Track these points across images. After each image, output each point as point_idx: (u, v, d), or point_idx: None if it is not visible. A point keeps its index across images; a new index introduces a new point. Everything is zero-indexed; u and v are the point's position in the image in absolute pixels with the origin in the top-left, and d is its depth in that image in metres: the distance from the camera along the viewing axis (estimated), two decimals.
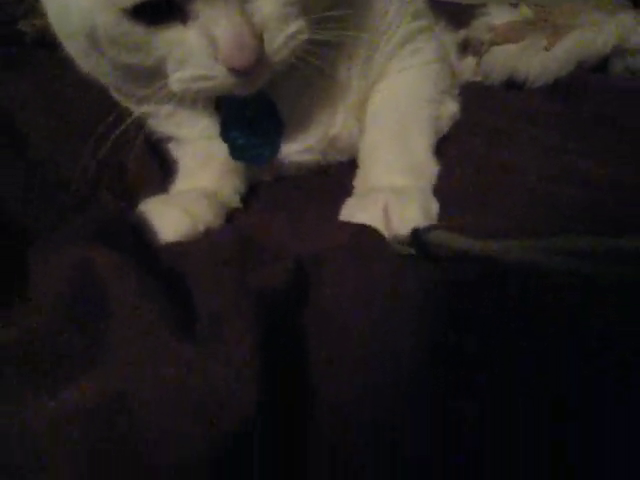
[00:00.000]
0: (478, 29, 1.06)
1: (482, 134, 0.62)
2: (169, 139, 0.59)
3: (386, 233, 0.44)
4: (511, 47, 0.97)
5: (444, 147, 0.60)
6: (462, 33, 1.11)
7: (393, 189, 0.49)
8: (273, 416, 0.28)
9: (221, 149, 0.55)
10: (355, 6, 0.54)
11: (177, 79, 0.45)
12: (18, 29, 0.89)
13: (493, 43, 1.01)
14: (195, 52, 0.43)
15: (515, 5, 1.12)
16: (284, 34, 0.45)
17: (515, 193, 0.50)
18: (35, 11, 0.88)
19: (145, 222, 0.46)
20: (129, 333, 0.30)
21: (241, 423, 0.27)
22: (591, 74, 0.80)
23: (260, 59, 0.43)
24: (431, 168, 0.55)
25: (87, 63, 0.50)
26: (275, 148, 0.57)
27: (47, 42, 0.85)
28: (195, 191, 0.53)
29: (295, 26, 0.45)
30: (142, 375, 0.29)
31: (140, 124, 0.53)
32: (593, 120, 0.63)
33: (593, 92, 0.70)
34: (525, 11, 1.06)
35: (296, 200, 0.57)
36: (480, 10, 1.09)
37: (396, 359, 0.31)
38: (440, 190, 0.52)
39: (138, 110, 0.52)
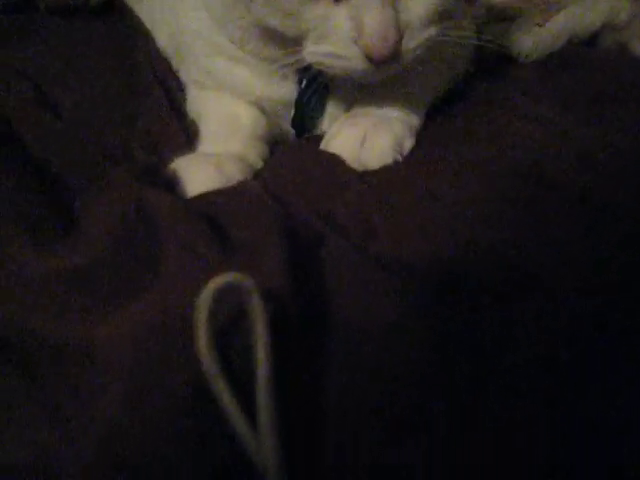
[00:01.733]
0: (476, 7, 1.10)
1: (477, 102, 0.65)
2: (201, 100, 0.62)
3: (356, 163, 0.50)
4: (507, 24, 1.01)
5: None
6: None
7: (380, 116, 0.54)
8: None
9: (248, 116, 0.59)
10: None
11: (312, 51, 0.49)
12: None
13: (490, 20, 1.05)
14: (338, 31, 0.46)
15: None
16: (423, 36, 0.48)
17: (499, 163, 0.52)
18: None
19: (178, 177, 0.50)
20: (179, 259, 0.35)
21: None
22: (582, 48, 0.84)
23: (397, 54, 0.46)
24: (421, 114, 0.58)
25: (223, 17, 0.53)
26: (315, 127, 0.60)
27: (62, 10, 0.87)
28: (225, 153, 0.56)
29: (433, 31, 0.49)
30: (192, 294, 0.33)
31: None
32: (585, 90, 0.67)
33: (583, 65, 0.74)
34: None
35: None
36: None
37: None
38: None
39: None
